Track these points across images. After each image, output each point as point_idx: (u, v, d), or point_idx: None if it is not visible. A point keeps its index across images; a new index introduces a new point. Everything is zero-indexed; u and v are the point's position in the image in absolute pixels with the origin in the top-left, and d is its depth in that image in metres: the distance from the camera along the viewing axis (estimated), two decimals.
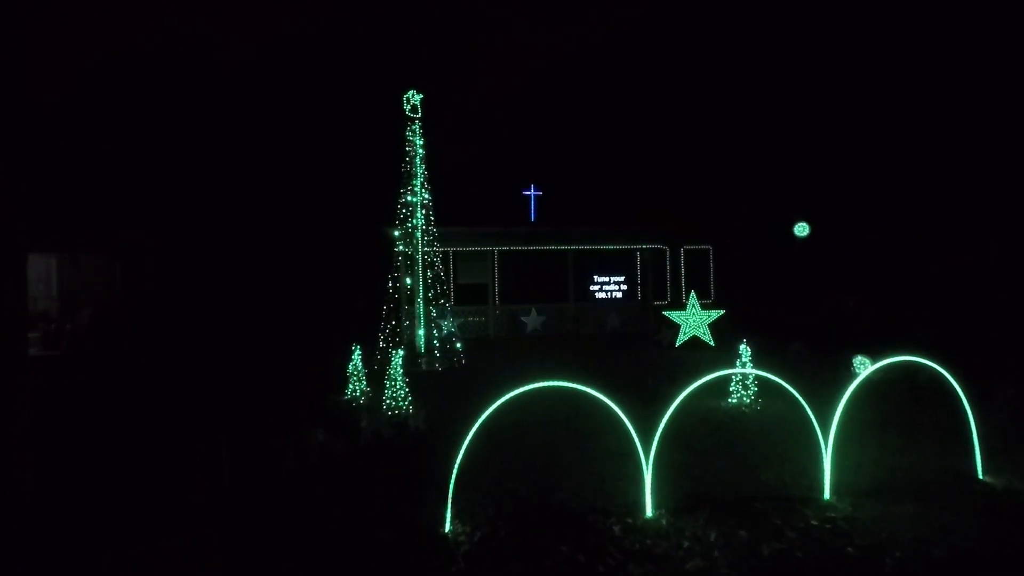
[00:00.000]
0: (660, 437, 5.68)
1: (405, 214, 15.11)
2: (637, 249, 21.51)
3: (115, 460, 7.48)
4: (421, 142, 15.07)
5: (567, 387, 5.55)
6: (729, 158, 22.80)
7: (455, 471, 5.36)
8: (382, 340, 14.70)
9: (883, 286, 20.42)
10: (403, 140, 15.12)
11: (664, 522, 5.52)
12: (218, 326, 17.63)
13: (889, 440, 7.81)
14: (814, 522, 5.51)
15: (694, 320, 17.92)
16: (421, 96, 15.09)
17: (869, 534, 5.23)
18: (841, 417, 6.05)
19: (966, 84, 19.68)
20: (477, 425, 5.36)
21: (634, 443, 5.62)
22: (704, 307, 18.07)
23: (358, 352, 11.06)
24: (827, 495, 6.00)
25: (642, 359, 15.83)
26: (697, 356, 16.12)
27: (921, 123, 19.96)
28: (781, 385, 6.04)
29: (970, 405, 6.42)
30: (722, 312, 18.04)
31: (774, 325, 17.81)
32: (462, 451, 5.35)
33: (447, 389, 11.82)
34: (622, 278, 20.79)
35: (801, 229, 18.94)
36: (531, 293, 20.02)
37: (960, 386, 6.39)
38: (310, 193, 18.94)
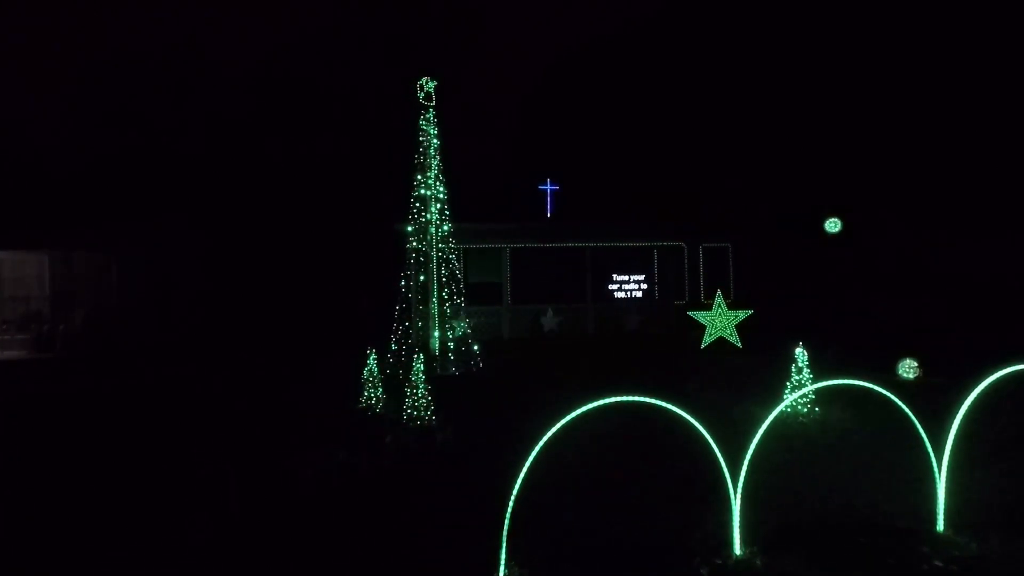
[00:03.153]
0: (749, 463, 4.80)
1: (418, 209, 14.22)
2: (655, 247, 20.66)
3: (103, 484, 6.57)
4: (435, 132, 14.18)
5: (645, 402, 4.66)
6: (750, 153, 21.93)
7: (510, 504, 4.46)
8: (394, 342, 13.81)
9: (913, 285, 19.55)
10: (415, 132, 14.24)
11: (759, 562, 4.64)
12: (220, 328, 16.74)
13: (981, 457, 6.92)
14: (937, 562, 4.63)
15: (720, 321, 17.02)
16: (435, 83, 14.20)
17: None
18: (956, 435, 5.17)
19: (1013, 71, 18.82)
20: (537, 449, 4.47)
21: (721, 469, 4.74)
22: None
23: (373, 356, 10.16)
24: (940, 526, 5.12)
25: (669, 362, 14.97)
26: (726, 359, 15.25)
27: (954, 112, 19.09)
28: (896, 403, 5.16)
29: None
30: (750, 312, 17.14)
31: (801, 326, 16.93)
32: (519, 480, 4.45)
33: (469, 396, 10.95)
34: (642, 277, 19.94)
35: (832, 225, 18.05)
36: (547, 292, 19.16)
37: None
38: (317, 189, 18.08)
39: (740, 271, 21.15)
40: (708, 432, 4.74)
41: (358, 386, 10.14)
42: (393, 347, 13.66)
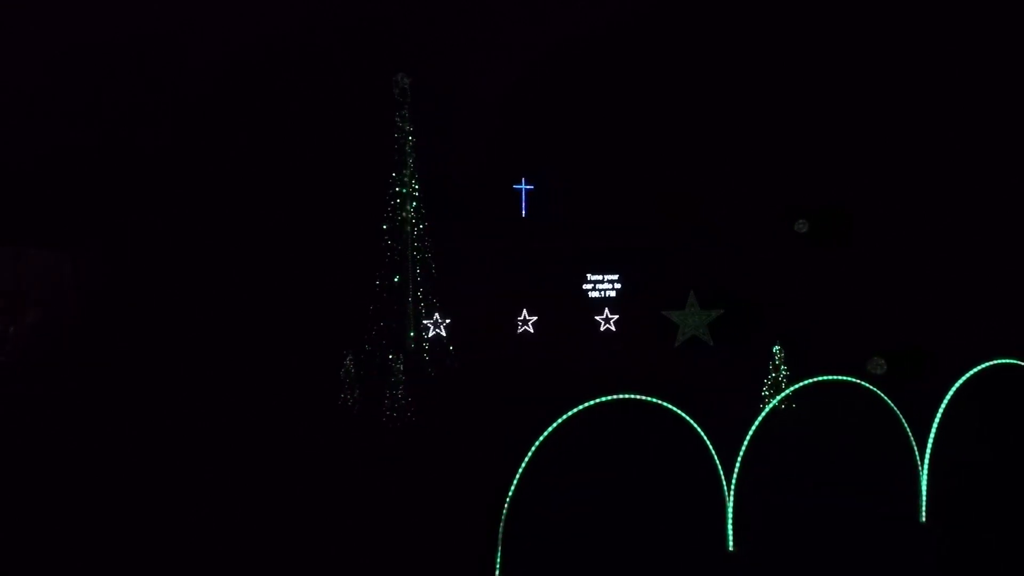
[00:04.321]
0: (740, 461, 4.83)
1: (394, 207, 14.00)
2: (629, 247, 20.75)
3: (56, 511, 6.18)
4: (410, 129, 13.99)
5: (635, 400, 4.64)
6: (723, 154, 22.23)
7: (505, 505, 4.38)
8: (370, 342, 13.56)
9: (885, 283, 19.94)
10: (391, 129, 14.02)
11: (752, 555, 4.68)
12: (186, 329, 16.10)
13: (951, 450, 7.12)
14: (923, 553, 4.75)
15: (693, 320, 17.29)
16: (410, 80, 14.01)
17: None
18: (936, 432, 5.31)
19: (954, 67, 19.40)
20: (531, 451, 4.40)
21: (715, 467, 4.75)
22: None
23: (350, 356, 9.93)
24: (923, 517, 5.25)
25: (645, 360, 15.08)
26: (701, 356, 15.46)
27: (918, 109, 19.51)
28: (885, 400, 5.26)
29: None
30: (721, 311, 17.41)
31: (774, 325, 17.25)
32: (514, 482, 4.37)
33: (448, 396, 10.79)
34: (615, 276, 20.04)
35: (801, 225, 18.50)
36: (522, 291, 19.09)
37: None
38: (289, 186, 17.53)
39: (713, 271, 21.40)
40: (699, 429, 4.74)
41: (335, 387, 9.89)
42: (368, 347, 13.41)
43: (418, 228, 14.07)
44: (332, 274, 17.55)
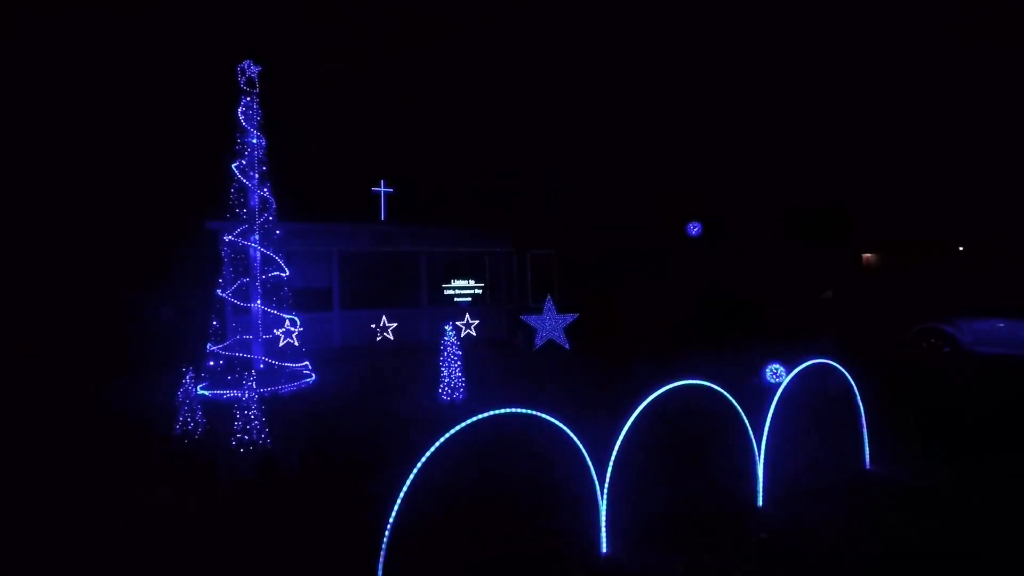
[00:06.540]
0: (614, 461, 5.06)
1: (237, 205, 12.77)
2: (487, 252, 21.13)
3: None
4: (259, 121, 12.88)
5: (520, 413, 4.65)
6: (574, 165, 23.48)
7: (387, 534, 4.14)
8: (210, 357, 12.23)
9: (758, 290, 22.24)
10: (237, 120, 12.79)
11: (624, 557, 4.91)
12: None
13: (792, 439, 8.12)
14: (763, 534, 5.32)
15: (550, 323, 17.96)
16: (259, 68, 12.90)
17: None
18: (771, 424, 6.01)
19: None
20: (414, 472, 4.21)
21: (588, 472, 4.91)
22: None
23: (189, 374, 8.86)
24: (760, 502, 5.91)
25: (507, 364, 15.36)
26: (560, 359, 16.10)
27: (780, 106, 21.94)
28: (727, 397, 5.81)
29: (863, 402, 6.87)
30: (576, 316, 18.32)
31: (631, 328, 18.50)
32: (396, 505, 4.15)
33: (306, 414, 10.06)
34: (475, 282, 20.24)
35: (693, 228, 20.23)
36: (380, 297, 18.53)
37: (856, 383, 6.80)
38: (109, 179, 15.19)
39: (564, 276, 22.52)
40: (572, 435, 4.88)
41: (171, 410, 8.77)
42: (210, 363, 12.09)
43: (264, 228, 12.98)
44: (160, 279, 15.54)
